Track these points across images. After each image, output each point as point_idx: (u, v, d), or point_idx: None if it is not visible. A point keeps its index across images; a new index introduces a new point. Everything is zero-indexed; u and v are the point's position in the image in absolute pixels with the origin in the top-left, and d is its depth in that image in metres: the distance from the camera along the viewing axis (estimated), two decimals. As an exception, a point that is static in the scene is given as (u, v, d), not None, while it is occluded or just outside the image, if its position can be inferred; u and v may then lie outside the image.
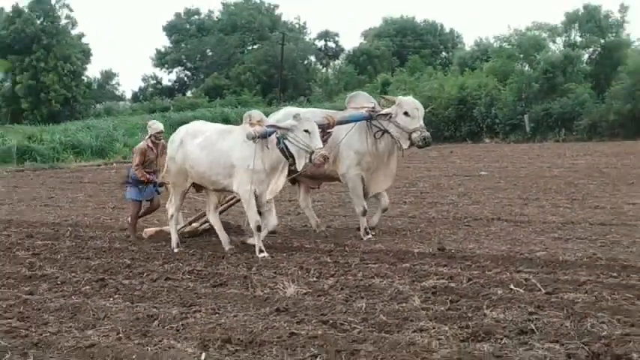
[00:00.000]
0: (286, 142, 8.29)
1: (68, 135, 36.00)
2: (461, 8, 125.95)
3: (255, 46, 59.31)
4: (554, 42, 45.81)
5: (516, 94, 40.59)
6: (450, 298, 6.76)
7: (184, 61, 66.62)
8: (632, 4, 56.55)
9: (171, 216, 9.74)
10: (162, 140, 10.86)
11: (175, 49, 66.55)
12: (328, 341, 5.60)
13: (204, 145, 9.18)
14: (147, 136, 10.79)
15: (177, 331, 6.07)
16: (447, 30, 65.96)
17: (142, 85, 68.14)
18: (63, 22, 55.23)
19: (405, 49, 56.78)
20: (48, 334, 5.99)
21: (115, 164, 32.39)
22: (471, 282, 7.40)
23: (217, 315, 6.49)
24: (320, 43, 66.01)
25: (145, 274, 8.67)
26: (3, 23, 53.36)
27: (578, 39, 44.97)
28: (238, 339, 5.62)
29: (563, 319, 5.75)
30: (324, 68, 62.91)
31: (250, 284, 7.67)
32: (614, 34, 44.57)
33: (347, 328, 5.93)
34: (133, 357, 5.40)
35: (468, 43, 61.89)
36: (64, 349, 5.58)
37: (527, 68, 43.45)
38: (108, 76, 66.85)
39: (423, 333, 5.61)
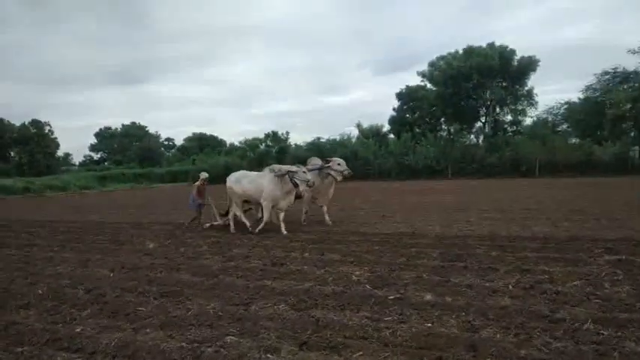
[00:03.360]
0: (294, 178, 7.65)
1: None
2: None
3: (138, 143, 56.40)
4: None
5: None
6: (221, 244, 6.99)
7: (107, 151, 60.90)
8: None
9: (235, 215, 8.57)
10: (206, 182, 9.53)
11: (101, 145, 61.34)
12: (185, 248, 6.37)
13: (251, 181, 8.19)
14: (200, 179, 9.43)
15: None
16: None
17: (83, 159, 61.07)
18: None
19: (202, 149, 51.75)
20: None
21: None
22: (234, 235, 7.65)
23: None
24: (166, 142, 64.18)
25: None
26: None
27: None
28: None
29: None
30: (169, 153, 60.84)
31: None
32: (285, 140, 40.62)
33: (194, 243, 6.80)
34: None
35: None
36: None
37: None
38: (67, 155, 58.25)
39: (208, 261, 5.82)
